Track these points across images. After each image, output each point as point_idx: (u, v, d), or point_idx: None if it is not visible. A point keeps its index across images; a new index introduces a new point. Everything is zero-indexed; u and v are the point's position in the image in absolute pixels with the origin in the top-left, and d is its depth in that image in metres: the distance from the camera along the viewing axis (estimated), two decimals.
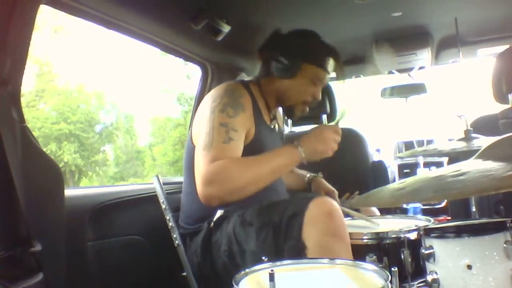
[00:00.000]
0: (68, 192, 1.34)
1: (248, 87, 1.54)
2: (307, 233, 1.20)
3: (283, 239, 1.24)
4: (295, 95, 1.58)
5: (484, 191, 0.73)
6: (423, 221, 1.34)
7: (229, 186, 1.27)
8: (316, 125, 1.58)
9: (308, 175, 1.85)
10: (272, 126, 1.64)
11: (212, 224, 1.43)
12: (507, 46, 1.76)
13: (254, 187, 1.30)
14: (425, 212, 2.50)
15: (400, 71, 2.69)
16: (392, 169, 3.01)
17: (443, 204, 2.69)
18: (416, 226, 1.20)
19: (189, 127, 1.80)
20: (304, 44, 1.54)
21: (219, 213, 1.43)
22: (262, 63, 1.61)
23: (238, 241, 1.34)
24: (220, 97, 1.43)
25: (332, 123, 1.71)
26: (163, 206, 1.51)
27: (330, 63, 1.57)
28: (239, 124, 1.39)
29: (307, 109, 1.65)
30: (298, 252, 1.18)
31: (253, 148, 1.43)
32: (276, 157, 1.37)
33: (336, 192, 1.77)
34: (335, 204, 1.24)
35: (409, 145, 3.24)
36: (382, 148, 3.29)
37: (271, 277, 0.75)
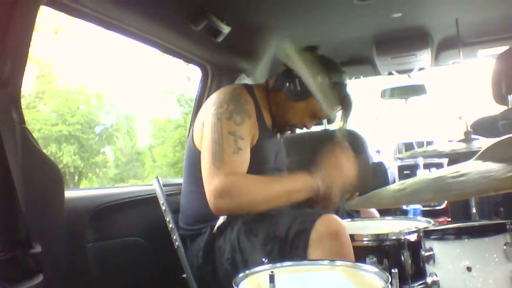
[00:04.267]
0: (68, 193, 1.33)
1: (252, 92, 1.53)
2: (312, 252, 1.20)
3: (288, 254, 1.24)
4: (290, 116, 1.57)
5: (484, 192, 0.73)
6: (423, 223, 1.34)
7: (241, 201, 1.29)
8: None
9: None
10: (274, 131, 1.62)
11: (215, 229, 1.42)
12: (507, 47, 1.76)
13: (265, 205, 1.33)
14: (425, 214, 2.50)
15: (400, 72, 2.69)
16: (392, 171, 3.01)
17: (443, 205, 2.69)
18: (416, 227, 1.20)
19: (190, 128, 1.80)
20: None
21: (222, 218, 1.42)
22: (281, 72, 1.55)
23: (241, 250, 1.33)
24: (226, 103, 1.42)
25: None
26: (163, 208, 1.50)
27: (336, 111, 1.56)
28: (246, 132, 1.40)
29: (295, 130, 1.65)
30: None
31: (254, 153, 1.42)
32: (291, 182, 1.37)
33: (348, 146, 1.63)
34: (342, 223, 1.24)
35: (409, 147, 3.24)
36: (382, 150, 3.30)
37: (271, 278, 0.75)
